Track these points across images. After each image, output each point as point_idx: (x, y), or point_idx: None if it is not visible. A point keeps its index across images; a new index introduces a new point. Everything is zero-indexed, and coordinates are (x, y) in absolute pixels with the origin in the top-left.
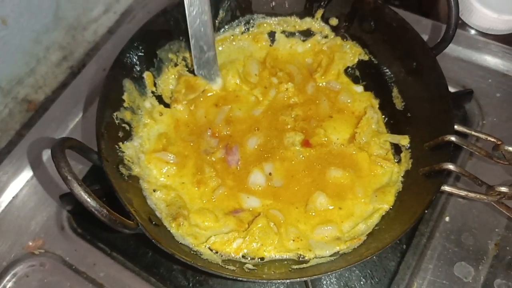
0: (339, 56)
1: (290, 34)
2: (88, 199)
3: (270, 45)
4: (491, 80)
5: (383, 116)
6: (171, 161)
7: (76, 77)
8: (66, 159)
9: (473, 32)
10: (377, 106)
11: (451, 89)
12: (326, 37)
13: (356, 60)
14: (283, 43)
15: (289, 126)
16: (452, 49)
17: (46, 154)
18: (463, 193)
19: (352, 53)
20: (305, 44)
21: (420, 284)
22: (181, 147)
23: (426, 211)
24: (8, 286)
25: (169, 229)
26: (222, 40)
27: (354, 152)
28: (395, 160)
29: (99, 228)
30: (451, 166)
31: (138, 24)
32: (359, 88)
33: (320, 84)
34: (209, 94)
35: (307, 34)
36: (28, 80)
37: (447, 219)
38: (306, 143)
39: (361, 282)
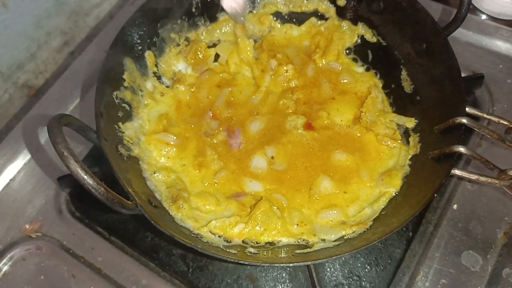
0: (337, 37)
1: (285, 20)
2: (85, 176)
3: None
4: (502, 66)
5: (389, 97)
6: (172, 143)
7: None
8: (62, 135)
9: (484, 17)
10: (381, 85)
11: (461, 74)
12: (322, 18)
13: (355, 39)
14: (278, 29)
15: (290, 110)
16: (463, 33)
17: (44, 135)
18: (474, 177)
19: (350, 32)
20: (300, 27)
21: (426, 273)
22: (182, 129)
23: (435, 195)
24: (4, 269)
25: (169, 211)
26: (226, 20)
27: (359, 135)
28: (403, 143)
29: (98, 212)
30: (462, 149)
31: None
32: (360, 69)
33: (320, 65)
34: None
35: (301, 18)
36: (29, 65)
37: (455, 206)
38: (308, 126)
39: (366, 270)
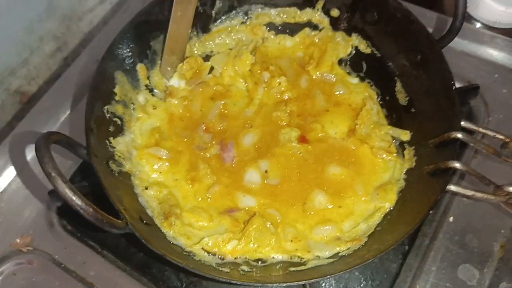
0: (331, 47)
1: (278, 31)
2: (73, 197)
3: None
4: (498, 76)
5: (384, 109)
6: (164, 157)
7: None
8: (50, 154)
9: (479, 25)
10: (375, 97)
11: (456, 85)
12: (316, 29)
13: (349, 50)
14: (271, 40)
15: (284, 123)
16: (457, 42)
17: (32, 149)
18: (469, 193)
19: (344, 43)
20: (293, 38)
21: (422, 287)
22: (175, 142)
23: (430, 212)
24: None
25: (160, 228)
26: (219, 31)
27: (353, 147)
28: (399, 156)
29: (89, 226)
30: (457, 165)
31: (133, 13)
32: (354, 80)
33: (314, 77)
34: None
35: (295, 29)
36: (21, 71)
37: (451, 219)
38: (302, 139)
39: (361, 285)
